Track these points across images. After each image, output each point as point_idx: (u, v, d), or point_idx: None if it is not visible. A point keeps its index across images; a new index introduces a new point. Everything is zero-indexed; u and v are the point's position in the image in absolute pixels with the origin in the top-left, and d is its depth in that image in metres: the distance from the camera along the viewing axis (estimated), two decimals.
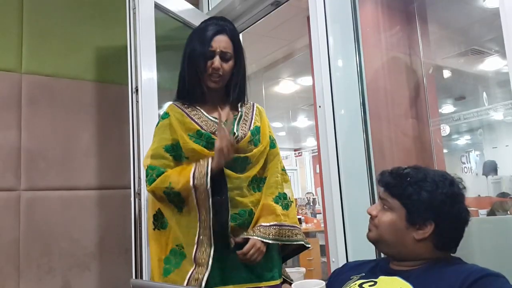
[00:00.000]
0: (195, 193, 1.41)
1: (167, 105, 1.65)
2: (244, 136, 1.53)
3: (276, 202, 1.54)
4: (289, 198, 1.59)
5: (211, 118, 1.54)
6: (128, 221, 1.88)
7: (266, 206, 1.52)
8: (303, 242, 1.55)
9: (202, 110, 1.56)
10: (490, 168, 4.98)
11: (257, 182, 1.56)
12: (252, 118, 1.61)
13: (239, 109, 1.61)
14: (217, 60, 1.51)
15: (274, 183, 1.57)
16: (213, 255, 1.41)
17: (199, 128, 1.50)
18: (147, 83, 1.95)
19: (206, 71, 1.52)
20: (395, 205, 1.09)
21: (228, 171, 1.47)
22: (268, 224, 1.49)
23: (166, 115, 1.56)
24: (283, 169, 1.64)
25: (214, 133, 1.49)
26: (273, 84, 6.12)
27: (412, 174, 1.10)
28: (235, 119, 1.57)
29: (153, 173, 1.48)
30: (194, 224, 1.43)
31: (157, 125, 1.59)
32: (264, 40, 4.26)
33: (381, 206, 1.12)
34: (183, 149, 1.50)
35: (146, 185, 1.51)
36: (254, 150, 1.53)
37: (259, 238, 1.46)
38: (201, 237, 1.41)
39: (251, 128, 1.57)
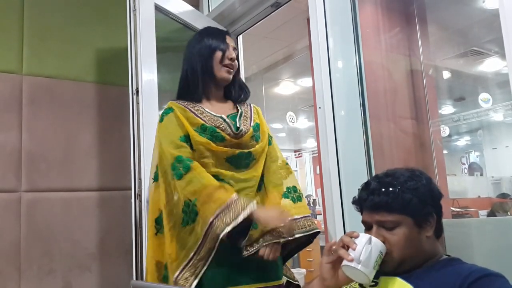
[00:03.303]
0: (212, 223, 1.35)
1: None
2: (247, 131, 1.55)
3: (286, 197, 1.55)
4: (299, 190, 1.60)
5: (213, 113, 1.55)
6: (129, 223, 1.88)
7: (277, 205, 1.52)
8: (316, 230, 1.53)
9: (203, 107, 1.57)
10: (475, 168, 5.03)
11: (259, 182, 1.57)
12: (251, 116, 1.64)
13: (239, 108, 1.63)
14: (232, 52, 1.58)
15: (279, 179, 1.58)
16: (219, 255, 1.39)
17: (203, 122, 1.50)
18: (148, 85, 1.95)
19: (223, 60, 1.56)
20: (399, 218, 1.03)
21: (240, 175, 1.49)
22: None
23: (170, 110, 1.55)
24: (286, 163, 1.65)
25: (218, 127, 1.50)
26: (273, 85, 6.13)
27: (395, 181, 1.05)
28: (236, 115, 1.59)
29: (179, 167, 1.43)
30: (191, 246, 1.37)
31: (161, 121, 1.55)
32: (264, 42, 4.26)
33: (380, 229, 1.04)
34: (191, 142, 1.49)
35: (174, 178, 1.44)
36: (256, 146, 1.55)
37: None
38: (189, 265, 1.36)
39: (252, 124, 1.60)
